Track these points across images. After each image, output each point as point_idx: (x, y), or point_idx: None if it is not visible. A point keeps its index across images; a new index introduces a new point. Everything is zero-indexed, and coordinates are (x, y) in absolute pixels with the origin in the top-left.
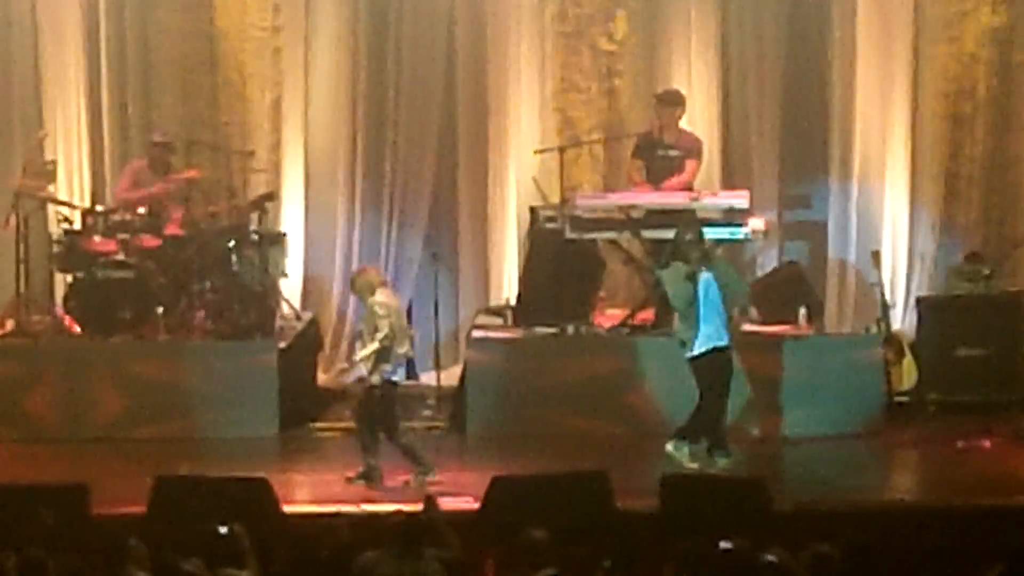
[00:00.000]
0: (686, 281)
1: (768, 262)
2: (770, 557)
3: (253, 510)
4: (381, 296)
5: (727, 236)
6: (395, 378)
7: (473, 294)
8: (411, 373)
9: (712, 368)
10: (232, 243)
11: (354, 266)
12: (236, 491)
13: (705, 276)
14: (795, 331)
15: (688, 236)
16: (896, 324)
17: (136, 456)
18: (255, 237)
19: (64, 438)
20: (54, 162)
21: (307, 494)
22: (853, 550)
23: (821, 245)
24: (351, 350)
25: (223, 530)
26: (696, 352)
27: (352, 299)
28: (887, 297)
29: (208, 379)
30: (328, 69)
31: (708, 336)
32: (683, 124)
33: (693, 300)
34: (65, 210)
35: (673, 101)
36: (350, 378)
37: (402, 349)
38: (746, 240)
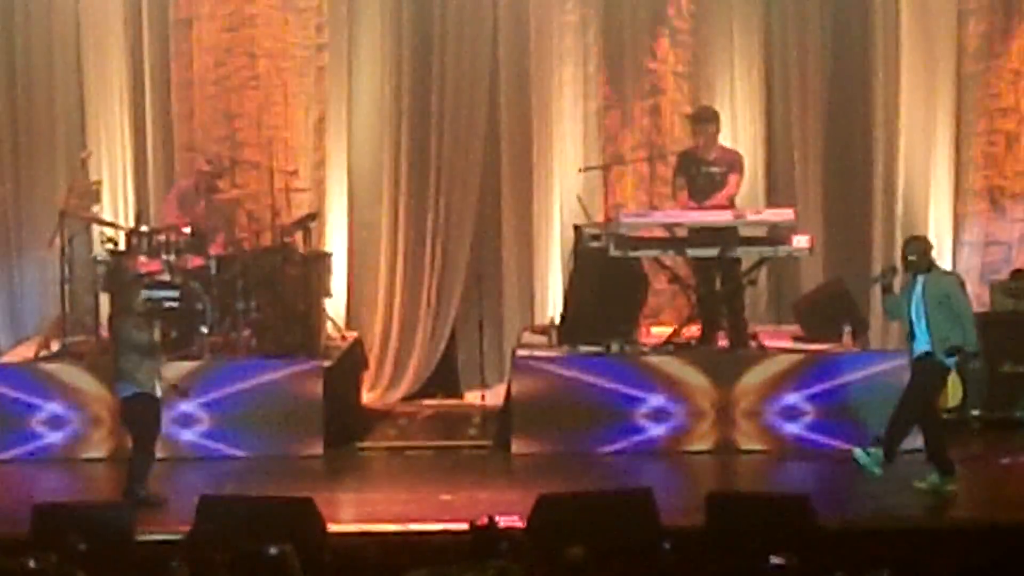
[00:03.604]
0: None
1: (812, 279)
2: None
3: (298, 530)
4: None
5: (772, 254)
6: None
7: (518, 313)
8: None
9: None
10: (276, 263)
11: (398, 285)
12: (281, 511)
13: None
14: (840, 348)
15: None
16: None
17: (181, 475)
18: (299, 256)
19: (107, 457)
20: (98, 182)
21: (352, 514)
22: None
23: (865, 262)
24: (395, 370)
25: (273, 551)
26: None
27: (397, 317)
28: None
29: (253, 398)
30: (371, 88)
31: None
32: (722, 140)
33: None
34: (109, 230)
35: (707, 118)
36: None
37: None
38: (793, 257)
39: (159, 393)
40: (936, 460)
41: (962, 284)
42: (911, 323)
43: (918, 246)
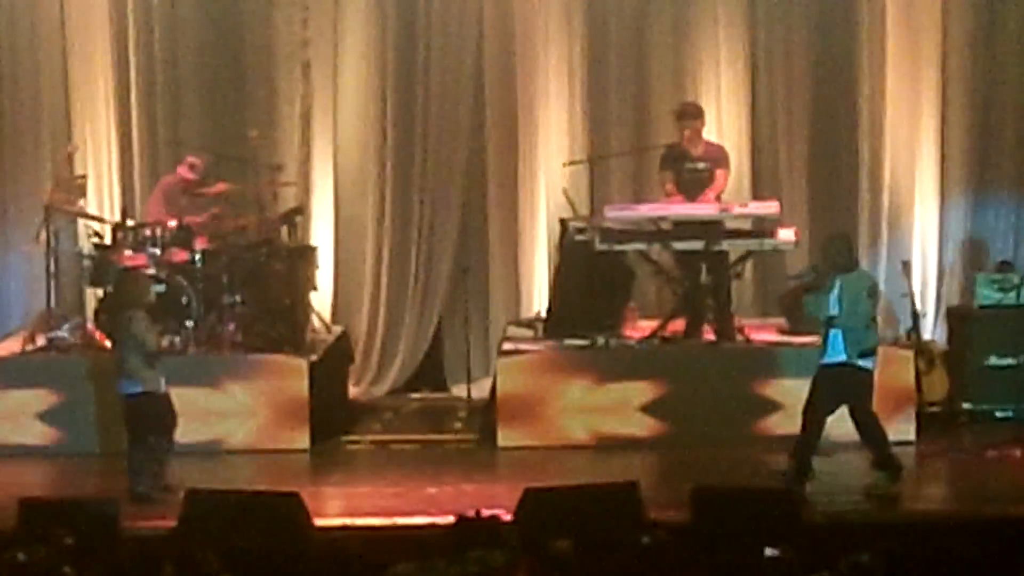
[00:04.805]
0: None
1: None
2: None
3: (284, 524)
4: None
5: (757, 247)
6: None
7: (503, 306)
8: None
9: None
10: (262, 257)
11: (384, 279)
12: (267, 505)
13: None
14: None
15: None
16: (927, 334)
17: (168, 469)
18: (285, 251)
19: (93, 452)
20: (84, 177)
21: (338, 507)
22: (892, 561)
23: None
24: (381, 364)
25: None
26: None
27: (383, 311)
28: (918, 307)
29: (238, 393)
30: (357, 82)
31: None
32: (707, 135)
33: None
34: (95, 225)
35: (693, 114)
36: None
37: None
38: (779, 250)
39: (163, 389)
40: (800, 459)
41: (875, 285)
42: (827, 326)
43: (841, 244)
